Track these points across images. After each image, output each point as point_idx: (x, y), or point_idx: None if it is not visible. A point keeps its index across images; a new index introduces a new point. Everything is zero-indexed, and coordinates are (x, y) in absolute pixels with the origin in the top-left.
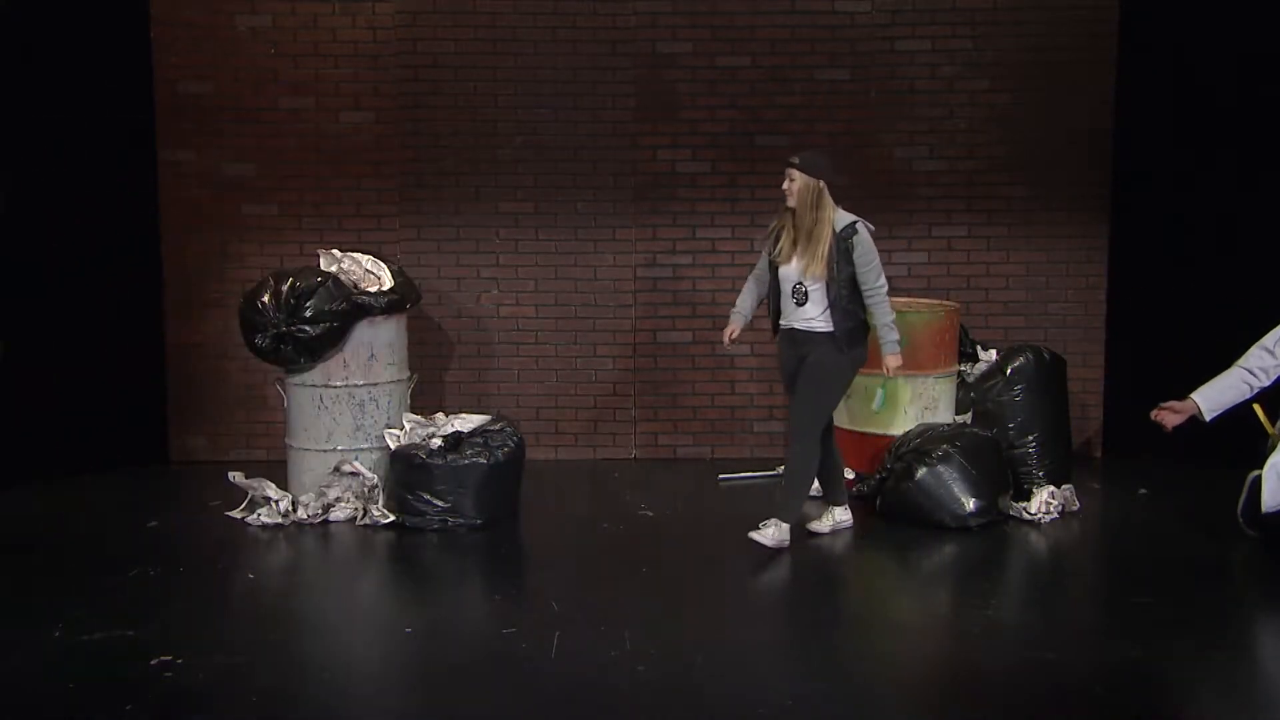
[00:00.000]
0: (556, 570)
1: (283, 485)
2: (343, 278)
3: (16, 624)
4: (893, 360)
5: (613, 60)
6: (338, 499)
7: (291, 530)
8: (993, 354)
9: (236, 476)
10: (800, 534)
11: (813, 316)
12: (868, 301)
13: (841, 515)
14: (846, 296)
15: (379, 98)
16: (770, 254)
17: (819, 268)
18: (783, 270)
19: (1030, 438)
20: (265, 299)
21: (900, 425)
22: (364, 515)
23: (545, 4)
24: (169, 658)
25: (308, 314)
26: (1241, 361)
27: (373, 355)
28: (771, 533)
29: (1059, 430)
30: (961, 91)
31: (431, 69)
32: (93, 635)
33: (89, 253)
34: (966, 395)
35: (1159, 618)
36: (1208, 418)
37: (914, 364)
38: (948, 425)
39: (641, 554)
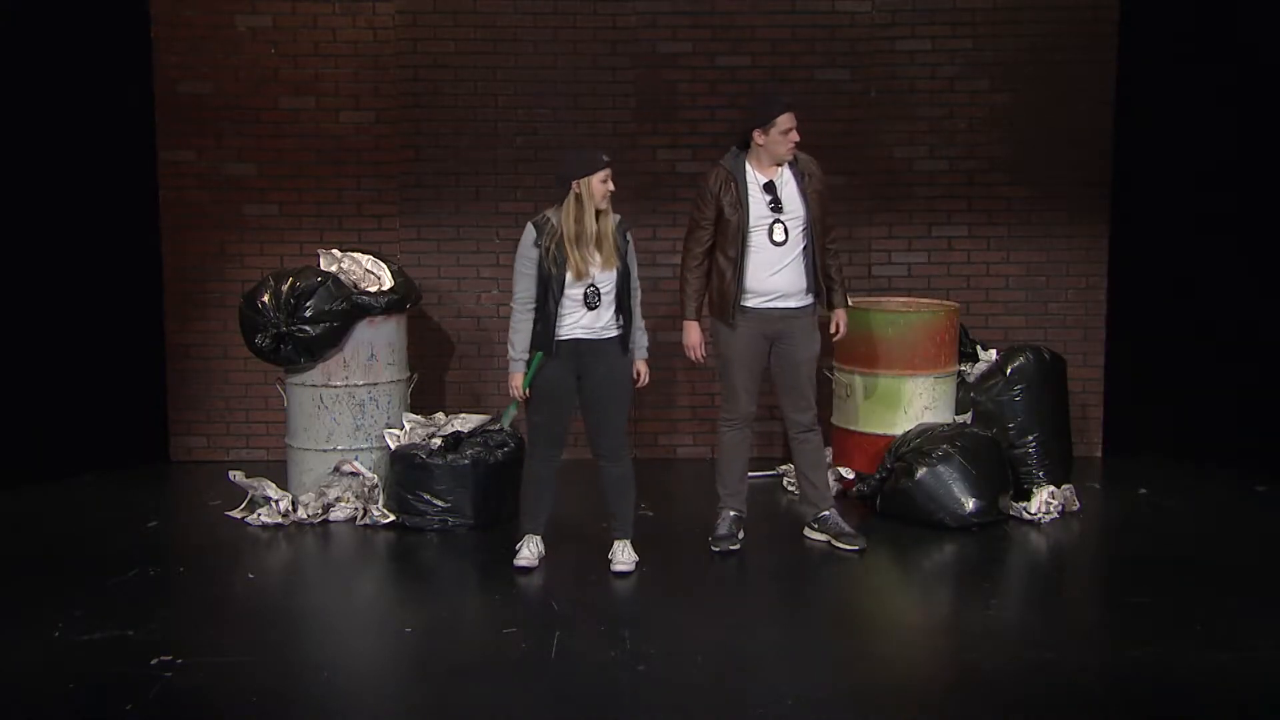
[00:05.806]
0: (556, 570)
1: (283, 485)
2: (343, 278)
3: (16, 624)
4: (642, 367)
5: (613, 60)
6: (338, 499)
7: (291, 530)
8: (993, 354)
9: (236, 476)
10: (796, 534)
11: (604, 321)
12: (632, 300)
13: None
14: (624, 295)
15: (379, 98)
16: (555, 273)
17: (616, 261)
18: (570, 283)
19: (1030, 438)
20: (265, 299)
21: (900, 425)
22: (364, 515)
23: (545, 4)
24: (169, 658)
25: (308, 314)
26: None
27: (373, 355)
28: (627, 555)
29: (1059, 430)
30: (961, 91)
31: (431, 69)
32: (93, 635)
33: (89, 252)
34: (966, 395)
35: (1159, 618)
36: None
37: (914, 364)
38: (948, 425)
39: (642, 554)
